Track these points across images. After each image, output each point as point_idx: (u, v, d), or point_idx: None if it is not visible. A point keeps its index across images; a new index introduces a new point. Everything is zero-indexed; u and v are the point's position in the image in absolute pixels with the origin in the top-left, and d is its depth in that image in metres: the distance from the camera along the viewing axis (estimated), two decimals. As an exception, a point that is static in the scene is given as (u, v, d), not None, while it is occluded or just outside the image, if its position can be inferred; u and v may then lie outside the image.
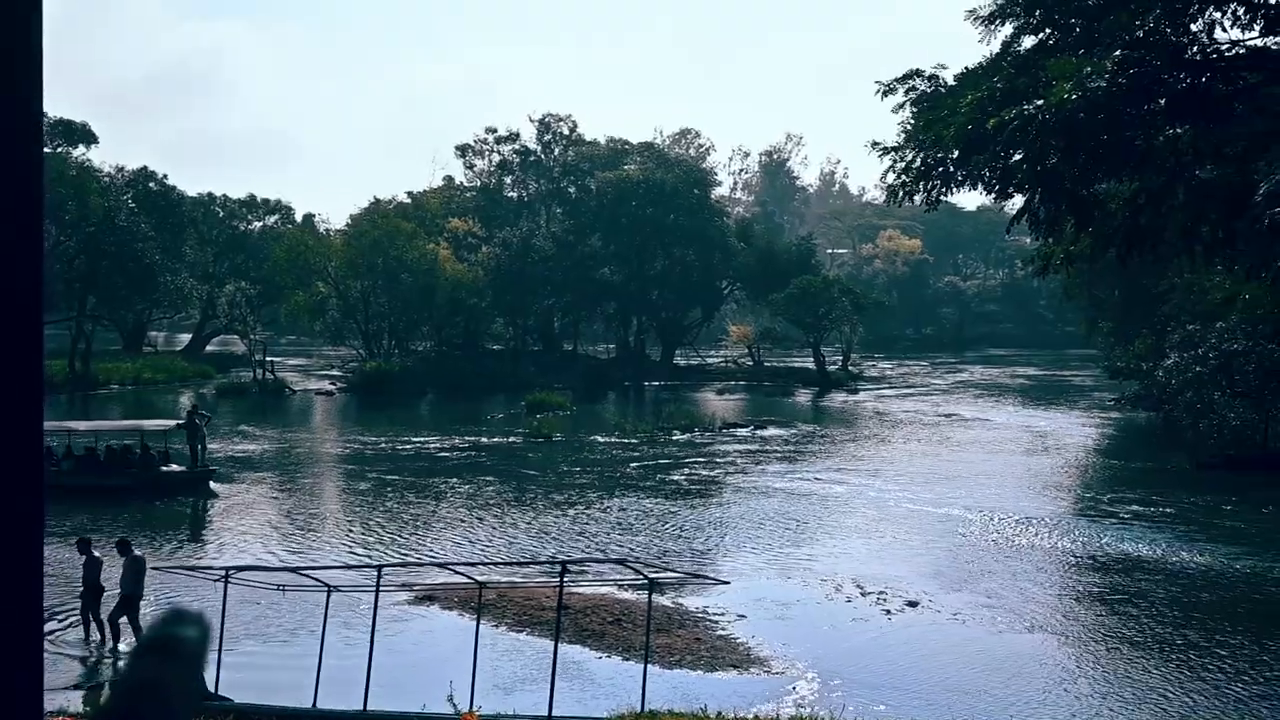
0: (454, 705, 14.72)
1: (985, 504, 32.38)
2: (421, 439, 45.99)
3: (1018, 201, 16.44)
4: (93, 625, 19.06)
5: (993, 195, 15.80)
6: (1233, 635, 20.23)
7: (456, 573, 17.44)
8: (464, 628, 19.13)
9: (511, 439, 46.22)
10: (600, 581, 22.13)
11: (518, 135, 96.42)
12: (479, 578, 17.51)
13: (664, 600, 21.09)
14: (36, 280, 2.07)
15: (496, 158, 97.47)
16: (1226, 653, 19.20)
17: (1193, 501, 32.85)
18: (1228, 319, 38.55)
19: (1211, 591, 23.38)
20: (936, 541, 28.11)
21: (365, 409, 60.19)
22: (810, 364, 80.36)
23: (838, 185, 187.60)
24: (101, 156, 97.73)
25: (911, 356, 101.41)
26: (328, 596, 15.84)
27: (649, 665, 15.28)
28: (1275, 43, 14.70)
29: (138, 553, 19.47)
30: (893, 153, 15.85)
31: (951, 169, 15.09)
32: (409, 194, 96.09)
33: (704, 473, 38.21)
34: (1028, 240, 79.35)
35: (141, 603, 18.96)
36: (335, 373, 77.29)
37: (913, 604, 21.98)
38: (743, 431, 49.46)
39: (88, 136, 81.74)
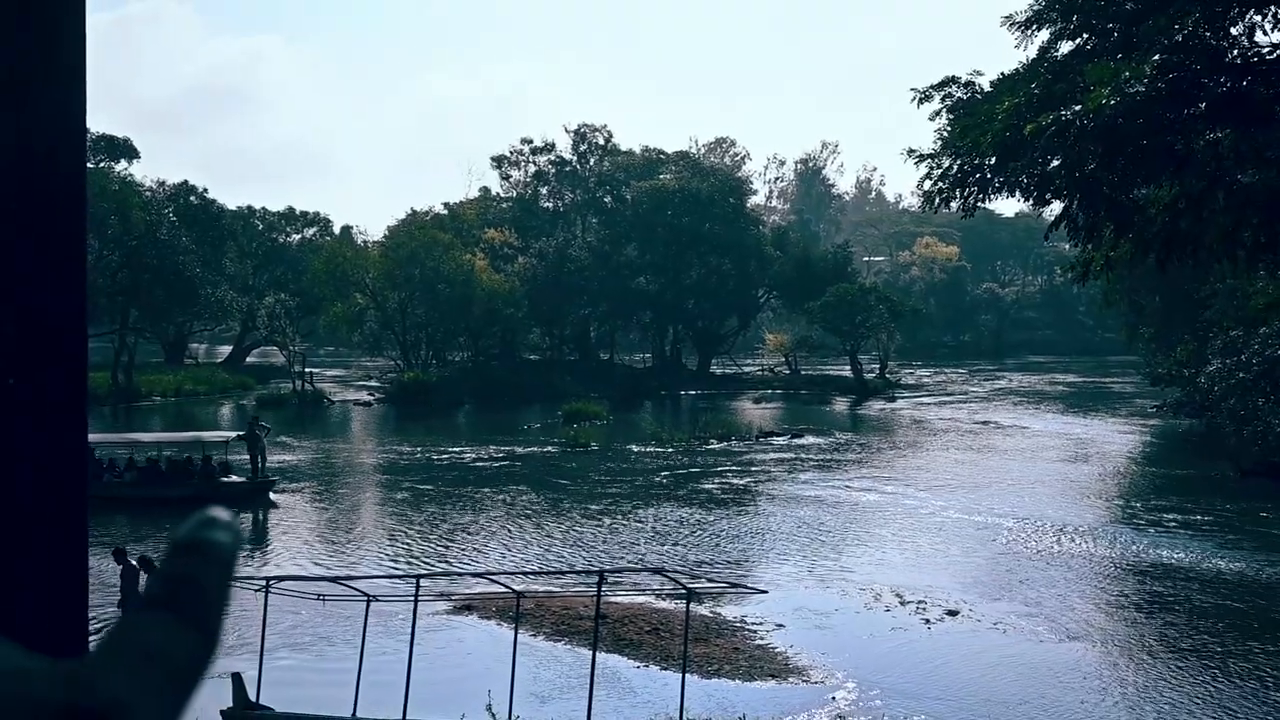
0: (493, 715, 14.77)
1: (1025, 512, 32.13)
2: (459, 449, 46.17)
3: (1055, 207, 16.31)
4: None
5: (1030, 201, 15.69)
6: (1274, 644, 19.96)
7: (494, 582, 17.49)
8: (502, 637, 19.20)
9: (548, 448, 46.31)
10: (638, 591, 22.14)
11: (553, 146, 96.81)
12: (517, 587, 17.56)
13: (702, 609, 21.06)
14: (80, 293, 2.11)
15: (532, 168, 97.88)
16: (1267, 661, 18.94)
17: (1236, 509, 32.44)
18: (1271, 324, 38.03)
19: (1253, 600, 23.08)
20: (976, 550, 27.91)
21: (403, 419, 60.50)
22: (847, 372, 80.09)
23: (874, 192, 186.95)
24: (143, 171, 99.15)
25: (949, 364, 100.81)
26: (367, 606, 15.92)
27: (687, 675, 15.25)
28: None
29: (133, 561, 19.62)
30: (929, 159, 15.77)
31: (988, 175, 14.99)
32: (445, 205, 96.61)
33: (741, 481, 38.13)
34: (1066, 246, 78.75)
35: None
36: (373, 383, 77.81)
37: (952, 613, 21.84)
38: (780, 440, 49.32)
39: (129, 151, 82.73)
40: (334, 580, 16.72)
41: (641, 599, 21.94)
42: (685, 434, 50.04)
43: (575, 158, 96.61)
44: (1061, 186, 14.37)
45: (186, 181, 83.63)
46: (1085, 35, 15.70)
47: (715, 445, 47.32)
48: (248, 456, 35.36)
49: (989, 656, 19.48)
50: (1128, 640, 20.66)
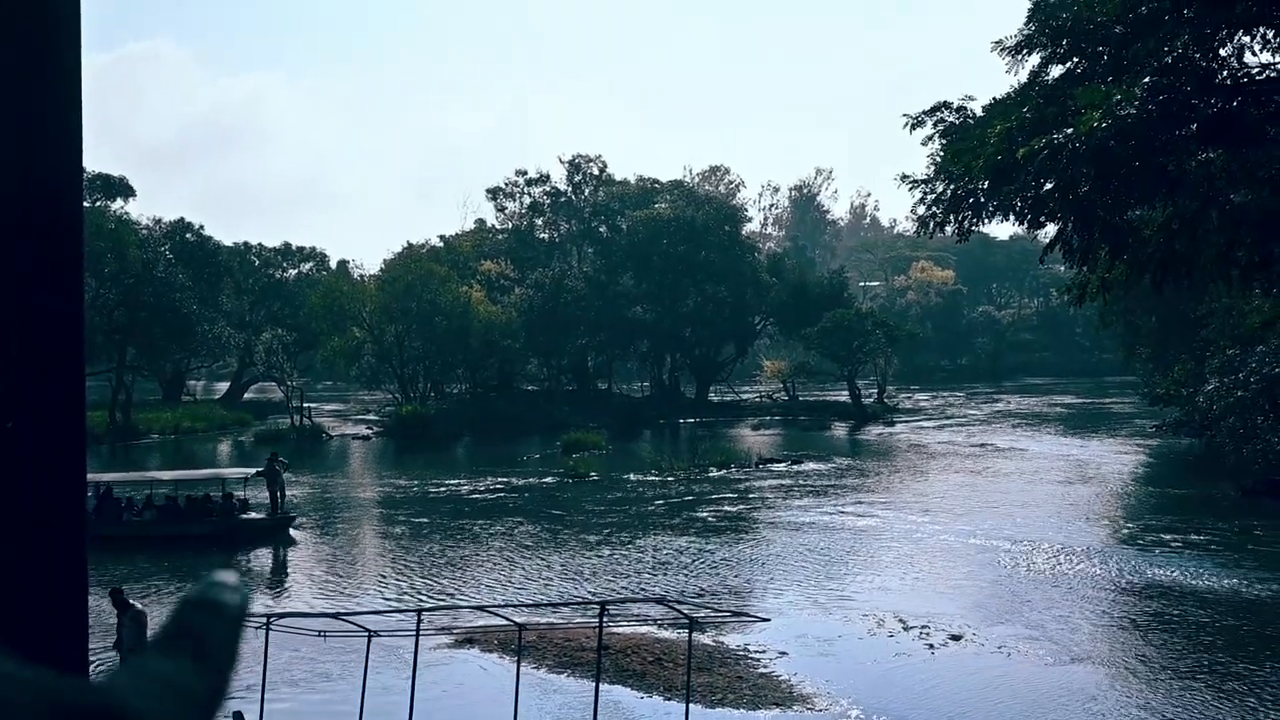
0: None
1: (1026, 535, 32.06)
2: (458, 481, 46.08)
3: (1050, 230, 16.37)
4: None
5: (1024, 225, 15.75)
6: (1274, 662, 19.89)
7: (496, 615, 17.41)
8: (505, 670, 19.11)
9: (548, 479, 46.22)
10: (640, 621, 22.04)
11: (548, 177, 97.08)
12: (519, 619, 17.48)
13: (704, 639, 20.97)
14: (79, 336, 2.11)
15: (527, 200, 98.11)
16: (1266, 680, 18.87)
17: (1236, 528, 32.40)
18: (1268, 342, 38.07)
19: (1254, 619, 23.01)
20: (978, 574, 27.83)
21: (402, 452, 60.39)
22: (845, 397, 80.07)
23: (868, 218, 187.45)
24: (139, 209, 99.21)
25: (947, 387, 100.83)
26: (368, 641, 15.84)
27: (691, 705, 15.16)
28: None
29: (139, 605, 18.78)
30: (922, 185, 15.84)
31: (982, 199, 15.06)
32: (441, 238, 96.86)
33: (741, 509, 38.05)
34: (1062, 268, 78.95)
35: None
36: (371, 417, 77.71)
37: (956, 637, 21.76)
38: (779, 467, 49.25)
39: (125, 190, 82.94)
40: (335, 616, 16.65)
41: (644, 629, 21.85)
42: (685, 462, 49.97)
43: (570, 188, 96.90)
44: (1055, 209, 14.43)
45: (183, 219, 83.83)
46: (1075, 59, 15.81)
47: (715, 473, 47.24)
48: (266, 493, 35.32)
49: (993, 681, 19.39)
50: (1131, 661, 20.58)
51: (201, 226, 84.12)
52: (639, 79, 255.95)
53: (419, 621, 15.25)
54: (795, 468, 48.86)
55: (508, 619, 16.79)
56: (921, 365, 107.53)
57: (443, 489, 43.93)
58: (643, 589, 26.13)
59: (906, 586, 26.49)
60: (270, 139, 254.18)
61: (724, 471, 47.75)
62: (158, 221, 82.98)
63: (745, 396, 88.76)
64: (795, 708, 18.03)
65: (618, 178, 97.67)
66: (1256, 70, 14.09)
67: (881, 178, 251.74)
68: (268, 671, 16.32)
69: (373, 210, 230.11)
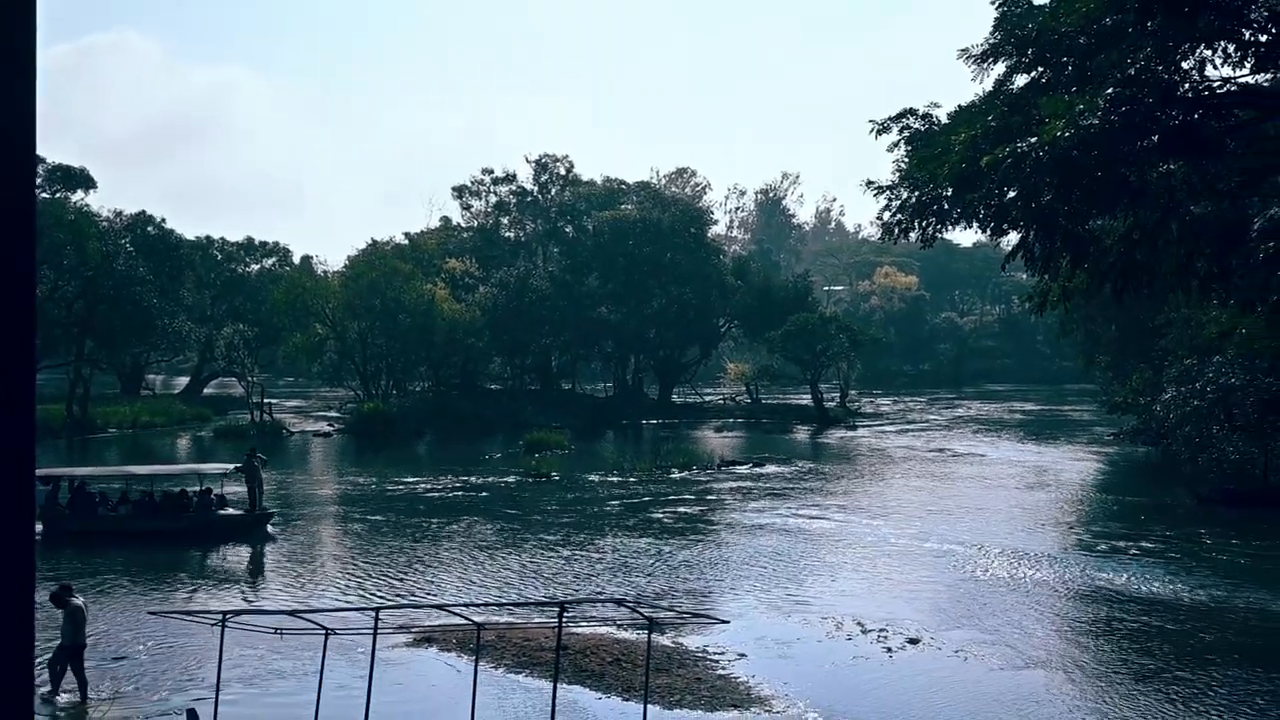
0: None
1: (984, 540, 32.29)
2: (419, 479, 45.88)
3: (1013, 238, 16.50)
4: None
5: (988, 232, 15.86)
6: (1230, 670, 20.13)
7: (454, 614, 17.33)
8: (463, 669, 19.04)
9: (509, 479, 46.10)
10: (599, 622, 22.01)
11: (514, 176, 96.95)
12: (477, 619, 17.41)
13: (664, 640, 20.98)
14: (29, 330, 2.08)
15: (493, 198, 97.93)
16: (1224, 688, 19.09)
17: (1191, 536, 32.78)
18: (1225, 353, 38.60)
19: (1210, 627, 23.28)
20: (936, 578, 28.00)
21: (363, 450, 60.07)
22: (808, 401, 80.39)
23: (834, 223, 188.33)
24: (100, 201, 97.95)
25: (909, 392, 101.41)
26: (325, 639, 15.72)
27: (649, 705, 15.16)
28: (1266, 80, 14.81)
29: (77, 600, 18.54)
30: (888, 191, 15.92)
31: (946, 206, 15.15)
32: (406, 235, 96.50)
33: (702, 511, 38.11)
34: (1024, 276, 79.58)
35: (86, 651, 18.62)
36: (333, 414, 77.26)
37: (914, 641, 21.87)
38: (741, 469, 49.36)
39: (86, 181, 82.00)
40: (292, 613, 16.52)
41: (603, 630, 21.83)
42: (647, 463, 50.00)
43: (536, 188, 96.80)
44: (1018, 217, 14.54)
45: (144, 212, 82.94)
46: (1040, 68, 15.95)
47: (677, 475, 47.29)
48: (242, 489, 35.06)
49: (950, 683, 19.51)
50: (1085, 665, 20.76)
51: (164, 220, 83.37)
52: (608, 84, 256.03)
53: (376, 620, 15.15)
54: (757, 470, 48.98)
55: (466, 618, 16.72)
56: (884, 370, 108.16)
57: (403, 487, 43.72)
58: (602, 590, 26.11)
59: (865, 590, 26.60)
60: (236, 134, 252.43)
61: (686, 473, 47.80)
62: (119, 214, 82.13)
63: (709, 398, 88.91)
64: (753, 709, 18.05)
65: (584, 178, 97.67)
66: (1218, 84, 14.26)
67: (848, 183, 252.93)
68: (223, 669, 16.17)
69: (339, 208, 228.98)
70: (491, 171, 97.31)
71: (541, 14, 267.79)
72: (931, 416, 79.67)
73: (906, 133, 16.47)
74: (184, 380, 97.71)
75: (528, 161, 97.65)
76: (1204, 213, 13.39)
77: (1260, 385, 37.44)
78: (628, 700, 18.06)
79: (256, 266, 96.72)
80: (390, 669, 19.19)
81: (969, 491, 42.99)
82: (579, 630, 21.29)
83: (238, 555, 31.77)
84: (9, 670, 2.06)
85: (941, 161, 14.05)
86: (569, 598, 23.75)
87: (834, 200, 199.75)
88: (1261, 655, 21.14)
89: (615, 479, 45.93)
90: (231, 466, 35.54)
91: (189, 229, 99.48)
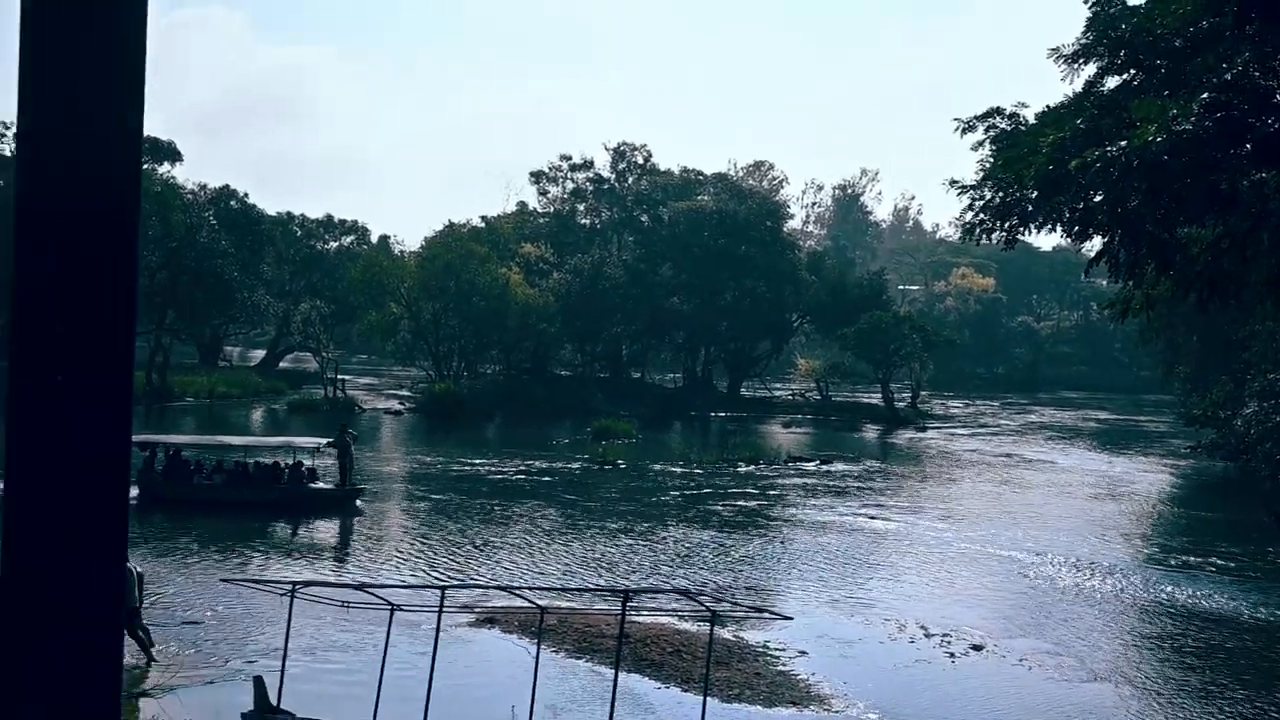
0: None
1: (1053, 548, 31.83)
2: (487, 461, 46.25)
3: (1095, 243, 16.21)
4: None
5: (1071, 236, 15.60)
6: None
7: (518, 596, 17.46)
8: (523, 651, 19.19)
9: (575, 465, 46.30)
10: (661, 612, 22.04)
11: (592, 163, 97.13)
12: (541, 602, 17.52)
13: (724, 633, 20.96)
14: (131, 296, 2.12)
15: (570, 185, 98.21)
16: (1300, 711, 18.67)
17: (1269, 555, 32.04)
18: (1311, 368, 37.60)
19: (1286, 648, 22.77)
20: (1002, 585, 27.68)
21: (433, 430, 60.67)
22: (878, 400, 79.76)
23: (911, 221, 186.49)
24: (185, 174, 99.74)
25: (982, 396, 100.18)
26: (390, 615, 15.92)
27: (708, 698, 15.16)
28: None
29: (129, 564, 19.02)
30: (971, 190, 15.71)
31: (1030, 208, 14.92)
32: (483, 218, 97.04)
33: (767, 506, 37.99)
34: (1104, 282, 78.18)
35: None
36: (404, 393, 78.07)
37: (977, 647, 21.64)
38: (808, 466, 49.12)
39: (173, 154, 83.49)
40: (359, 587, 16.75)
41: (664, 620, 21.86)
42: (713, 456, 49.93)
43: (613, 176, 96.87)
44: (1104, 222, 14.27)
45: (228, 186, 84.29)
46: (1132, 70, 15.63)
47: (743, 468, 47.18)
48: (335, 464, 35.70)
49: (1013, 693, 19.29)
50: (1150, 681, 20.41)
51: (246, 194, 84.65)
52: (688, 71, 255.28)
53: (442, 598, 15.30)
54: (824, 467, 48.70)
55: (530, 601, 16.84)
56: (957, 372, 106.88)
57: (471, 468, 44.11)
58: (664, 580, 26.17)
59: (930, 593, 26.38)
60: (318, 111, 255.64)
61: (752, 467, 47.67)
62: (203, 187, 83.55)
63: (778, 393, 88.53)
64: (812, 707, 17.99)
65: (661, 168, 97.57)
66: (1317, 92, 13.88)
67: (927, 182, 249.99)
68: (290, 639, 16.44)
69: (416, 188, 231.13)
70: (569, 158, 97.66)
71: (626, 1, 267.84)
72: (1004, 421, 78.67)
73: (992, 132, 16.24)
74: (260, 353, 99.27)
75: (606, 149, 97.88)
76: (1297, 224, 13.07)
77: (1347, 403, 36.42)
78: (686, 691, 18.09)
79: (335, 244, 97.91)
80: (453, 647, 19.38)
81: (1039, 499, 42.41)
82: (640, 619, 21.35)
83: (321, 528, 32.37)
84: (100, 629, 2.11)
85: (1028, 162, 13.82)
86: (632, 587, 23.82)
87: (912, 198, 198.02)
88: (1337, 680, 20.64)
89: (681, 470, 45.94)
90: (324, 441, 36.13)
91: (270, 204, 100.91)
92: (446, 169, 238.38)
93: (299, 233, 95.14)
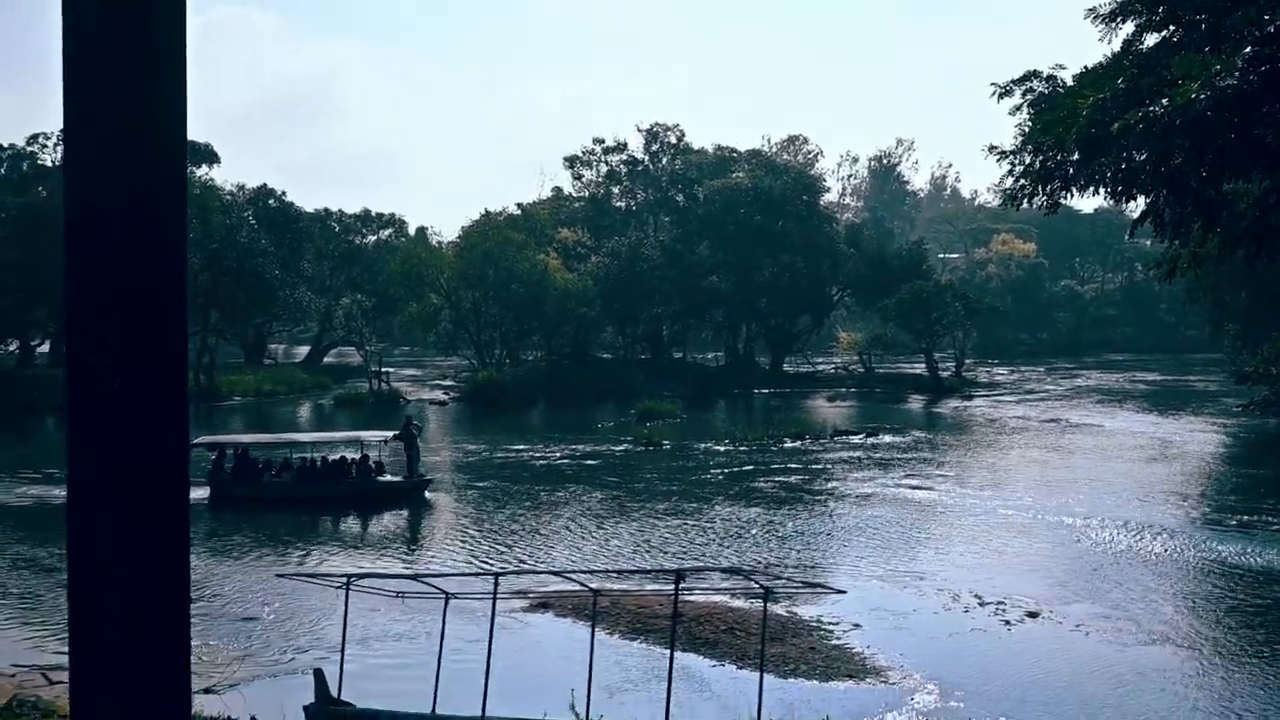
0: (575, 713, 14.82)
1: (1105, 512, 31.57)
2: (533, 448, 46.43)
3: (1139, 203, 16.02)
4: None
5: (1114, 197, 15.42)
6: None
7: (570, 580, 17.55)
8: (578, 634, 19.27)
9: (621, 447, 46.39)
10: (713, 590, 22.09)
11: (625, 145, 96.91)
12: (593, 585, 17.61)
13: (777, 609, 20.97)
14: (181, 301, 2.16)
15: (604, 168, 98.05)
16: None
17: (1327, 511, 31.61)
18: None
19: (1349, 604, 22.48)
20: (1056, 551, 27.50)
21: (478, 418, 60.96)
22: (922, 370, 79.31)
23: (949, 189, 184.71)
24: (223, 175, 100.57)
25: (1027, 362, 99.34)
26: (445, 603, 16.04)
27: (764, 674, 15.18)
28: None
29: None
30: (1011, 156, 15.56)
31: (1072, 171, 14.76)
32: (519, 206, 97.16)
33: (814, 481, 37.92)
34: (1148, 243, 77.21)
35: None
36: (448, 382, 78.48)
37: (1033, 615, 21.53)
38: (855, 439, 48.95)
39: (210, 156, 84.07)
40: (413, 577, 16.88)
41: (717, 598, 21.90)
42: (758, 433, 49.86)
43: (647, 157, 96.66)
44: (1147, 181, 14.09)
45: (265, 185, 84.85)
46: (1171, 27, 15.40)
47: (789, 444, 47.09)
48: (404, 456, 35.98)
49: (1072, 659, 19.18)
50: (1210, 643, 20.22)
51: (284, 193, 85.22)
52: (720, 47, 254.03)
53: (496, 584, 15.41)
54: (870, 440, 48.53)
55: (582, 584, 16.91)
56: (1001, 339, 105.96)
57: (517, 455, 44.31)
58: (714, 559, 26.20)
59: (982, 562, 26.25)
60: (352, 107, 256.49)
61: (798, 443, 47.57)
62: (241, 188, 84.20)
63: (821, 368, 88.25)
64: (869, 680, 17.99)
65: (695, 146, 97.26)
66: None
67: (964, 148, 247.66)
68: (347, 630, 16.61)
69: (451, 179, 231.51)
70: (602, 141, 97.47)
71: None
72: (1049, 387, 78.00)
73: (1030, 96, 16.07)
74: (304, 349, 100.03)
75: (639, 130, 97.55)
76: (1345, 175, 12.86)
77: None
78: (742, 668, 18.13)
79: (373, 238, 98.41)
80: (508, 633, 19.50)
81: (1088, 463, 42.05)
82: (693, 599, 21.39)
83: (387, 521, 32.66)
84: (168, 625, 2.14)
85: (1068, 125, 13.66)
86: (683, 565, 23.88)
87: (949, 166, 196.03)
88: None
89: (726, 448, 45.93)
90: (391, 434, 36.45)
91: (308, 201, 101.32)
92: (481, 159, 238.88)
93: (337, 228, 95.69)
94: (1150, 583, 24.27)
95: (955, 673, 18.29)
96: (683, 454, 44.43)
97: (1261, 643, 20.10)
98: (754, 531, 29.57)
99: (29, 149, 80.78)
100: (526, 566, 25.46)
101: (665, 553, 27.15)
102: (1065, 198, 15.59)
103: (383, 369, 73.54)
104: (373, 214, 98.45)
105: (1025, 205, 16.64)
